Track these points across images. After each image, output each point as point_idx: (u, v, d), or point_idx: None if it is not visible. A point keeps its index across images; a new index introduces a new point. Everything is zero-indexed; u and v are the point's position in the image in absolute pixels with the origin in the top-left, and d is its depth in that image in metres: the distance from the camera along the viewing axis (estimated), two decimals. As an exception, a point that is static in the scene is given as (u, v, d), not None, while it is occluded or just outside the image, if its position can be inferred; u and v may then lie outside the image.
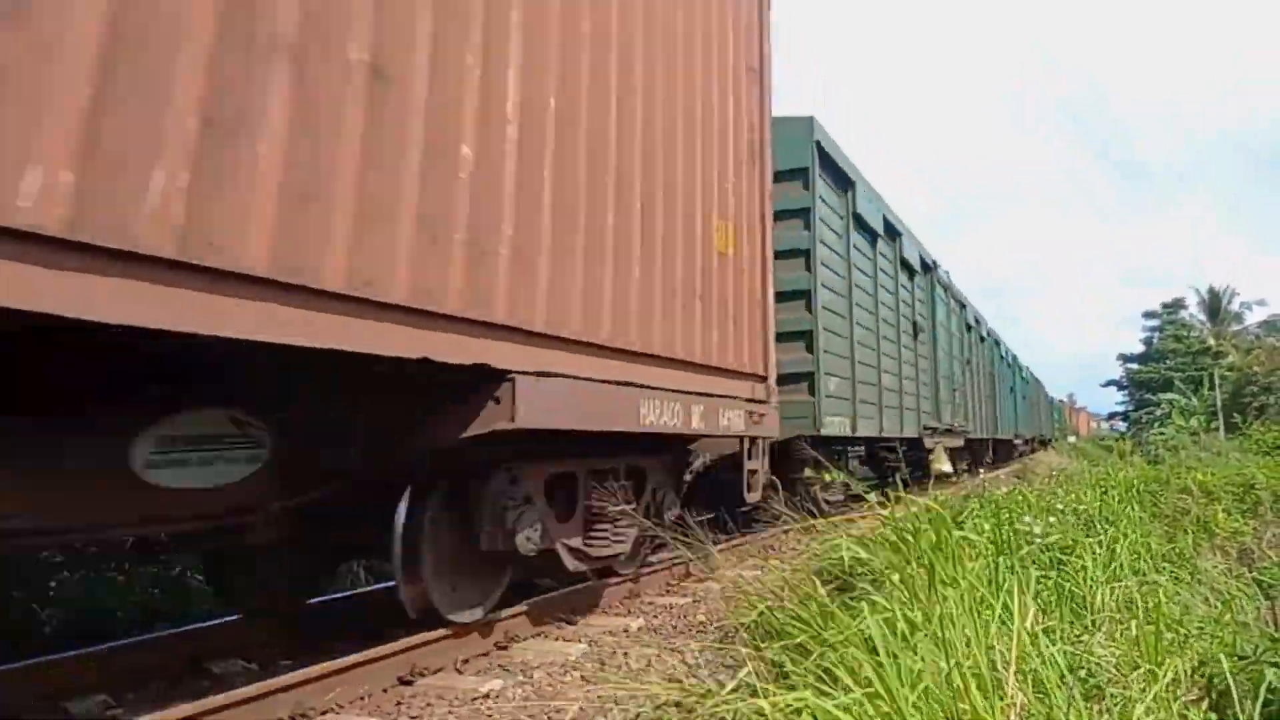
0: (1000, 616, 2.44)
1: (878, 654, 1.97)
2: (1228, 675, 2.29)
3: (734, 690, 2.14)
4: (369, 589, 5.43)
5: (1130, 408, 58.21)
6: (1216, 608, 3.62)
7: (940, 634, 2.05)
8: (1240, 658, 2.50)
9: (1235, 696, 2.24)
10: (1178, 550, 5.00)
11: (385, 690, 3.43)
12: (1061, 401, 61.77)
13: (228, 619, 4.26)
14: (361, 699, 3.33)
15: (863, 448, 10.53)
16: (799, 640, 2.39)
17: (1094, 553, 3.73)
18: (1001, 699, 1.85)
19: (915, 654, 2.01)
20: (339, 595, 5.08)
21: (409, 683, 3.50)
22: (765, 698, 1.90)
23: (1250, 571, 5.02)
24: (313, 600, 4.64)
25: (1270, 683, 2.29)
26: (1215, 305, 53.74)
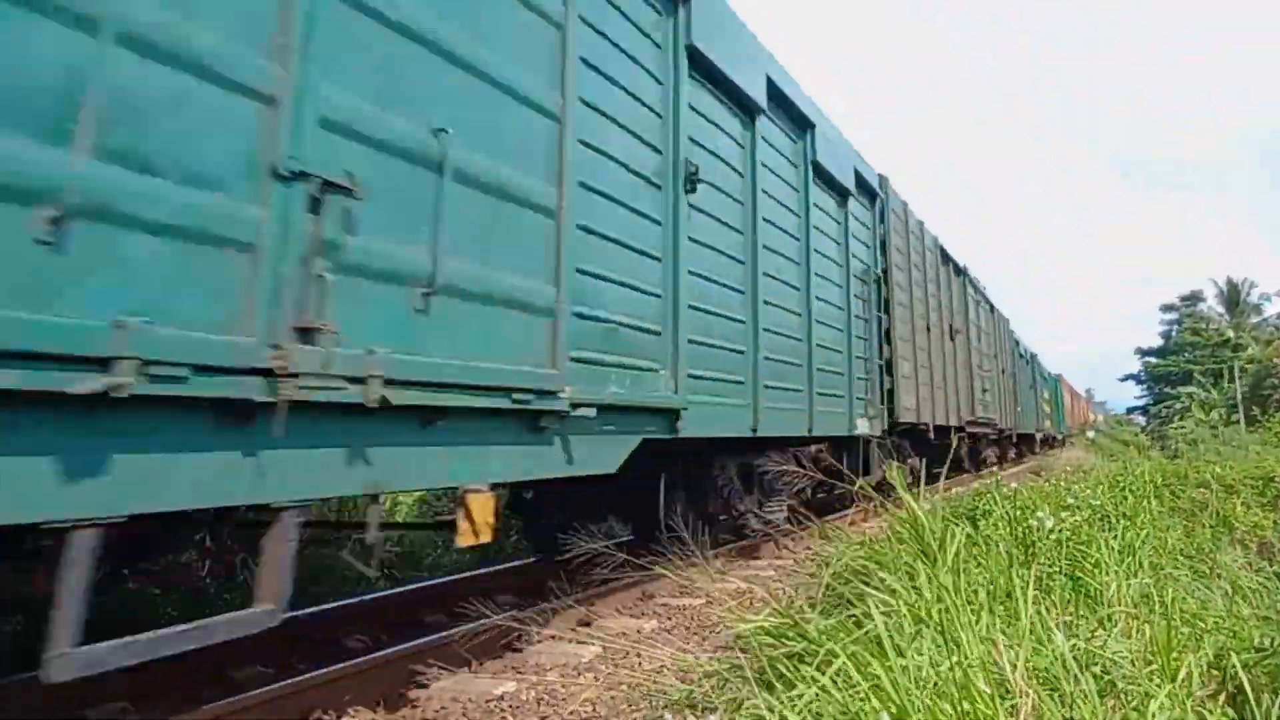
0: (1012, 612, 2.43)
1: (884, 652, 1.96)
2: (1238, 670, 2.26)
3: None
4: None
5: (1149, 402, 57.67)
6: (1236, 602, 3.58)
7: (946, 630, 2.03)
8: (1259, 651, 2.47)
9: (1250, 691, 2.21)
10: (1196, 545, 4.96)
11: (400, 693, 3.45)
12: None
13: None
14: (376, 702, 3.35)
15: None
16: (807, 642, 2.38)
17: (1110, 548, 3.70)
18: (1007, 698, 1.83)
19: (920, 652, 2.00)
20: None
21: (423, 685, 3.52)
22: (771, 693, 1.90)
23: (1271, 565, 4.96)
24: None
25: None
26: (1234, 297, 53.22)
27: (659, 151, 4.98)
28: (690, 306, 5.09)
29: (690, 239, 5.20)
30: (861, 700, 1.84)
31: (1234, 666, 2.29)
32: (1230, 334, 49.57)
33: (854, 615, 2.51)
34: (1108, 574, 3.37)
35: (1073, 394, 50.61)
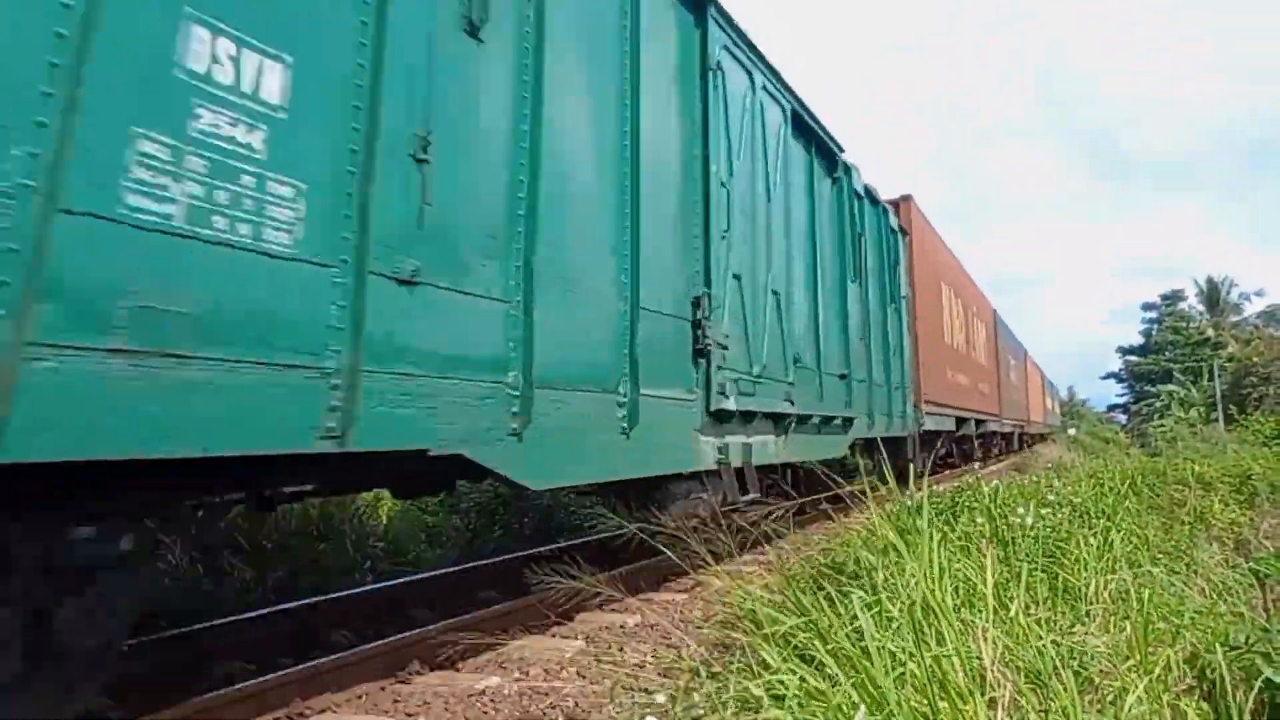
0: (992, 606, 2.45)
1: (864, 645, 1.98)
2: (1221, 665, 2.29)
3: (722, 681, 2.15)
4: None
5: (1130, 400, 58.25)
6: (1212, 598, 3.63)
7: (925, 626, 2.05)
8: (1232, 648, 2.51)
9: (1227, 686, 2.24)
10: (1174, 541, 5.02)
11: (383, 688, 3.45)
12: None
13: (227, 619, 4.27)
14: (359, 696, 3.35)
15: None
16: (788, 634, 2.39)
17: (1089, 544, 3.74)
18: (984, 692, 1.85)
19: (900, 646, 2.02)
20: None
21: (406, 680, 3.52)
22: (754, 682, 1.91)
23: (1247, 562, 5.03)
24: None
25: (1263, 673, 2.29)
26: (1214, 296, 53.79)
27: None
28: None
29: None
30: (841, 694, 1.85)
31: (1212, 663, 2.33)
32: (1210, 332, 50.15)
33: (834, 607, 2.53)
34: (1086, 570, 3.41)
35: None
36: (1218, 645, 2.48)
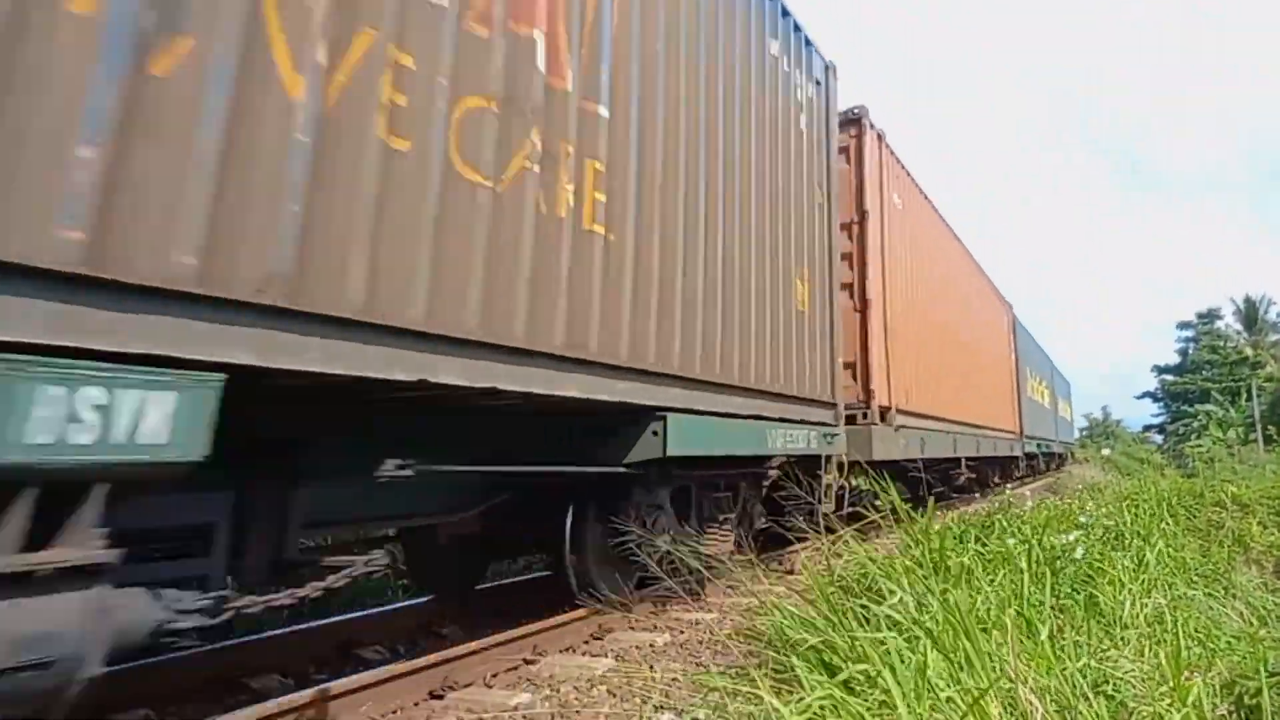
0: (1025, 630, 2.44)
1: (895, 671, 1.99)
2: (1265, 691, 2.26)
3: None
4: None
5: (1166, 420, 57.17)
6: (1251, 622, 3.58)
7: (958, 650, 2.06)
8: (1272, 674, 2.48)
9: (1265, 714, 2.22)
10: (1212, 564, 4.94)
11: (416, 704, 3.49)
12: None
13: (264, 635, 4.34)
14: (394, 711, 3.39)
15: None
16: (820, 654, 2.41)
17: (1124, 567, 3.71)
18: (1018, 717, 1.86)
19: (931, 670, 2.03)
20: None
21: (439, 696, 3.56)
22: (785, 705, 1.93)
23: (1286, 586, 4.94)
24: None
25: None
26: (1252, 315, 52.64)
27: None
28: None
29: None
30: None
31: (1247, 688, 2.31)
32: (1249, 352, 49.15)
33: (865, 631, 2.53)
34: (1121, 593, 3.38)
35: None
36: (1259, 670, 2.45)
